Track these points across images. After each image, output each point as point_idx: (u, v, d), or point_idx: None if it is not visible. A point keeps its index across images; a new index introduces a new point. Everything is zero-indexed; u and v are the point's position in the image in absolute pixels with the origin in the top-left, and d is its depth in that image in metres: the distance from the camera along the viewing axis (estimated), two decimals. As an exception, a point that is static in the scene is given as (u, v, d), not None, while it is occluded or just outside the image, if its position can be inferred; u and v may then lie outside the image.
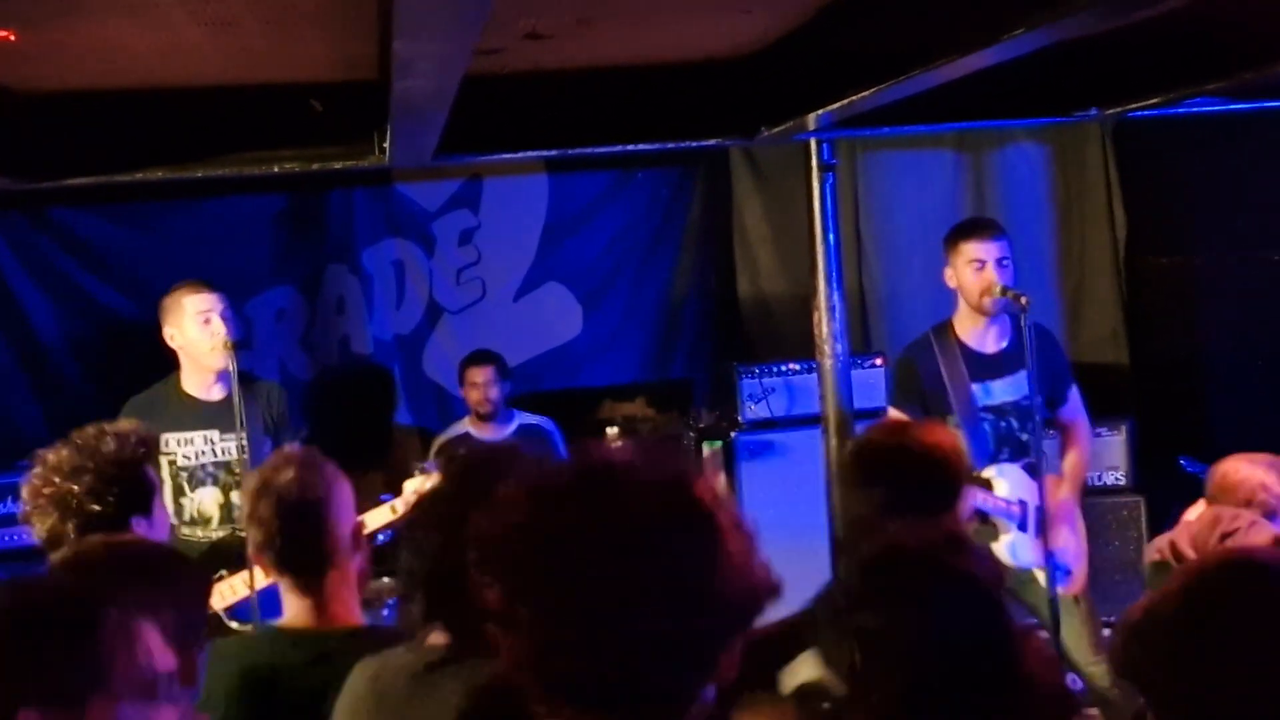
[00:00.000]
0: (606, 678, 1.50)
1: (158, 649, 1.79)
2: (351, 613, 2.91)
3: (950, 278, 4.96)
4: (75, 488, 3.08)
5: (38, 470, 3.14)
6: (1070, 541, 4.88)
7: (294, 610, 2.88)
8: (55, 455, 3.15)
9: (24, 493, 3.16)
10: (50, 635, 1.72)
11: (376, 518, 4.69)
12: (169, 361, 4.95)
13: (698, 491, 1.55)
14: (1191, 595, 1.70)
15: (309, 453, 3.08)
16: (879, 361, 6.44)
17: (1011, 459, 4.88)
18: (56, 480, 3.10)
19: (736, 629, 1.55)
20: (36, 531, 3.12)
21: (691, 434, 6.59)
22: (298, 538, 2.83)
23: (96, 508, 3.07)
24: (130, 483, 3.17)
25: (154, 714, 1.77)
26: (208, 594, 2.74)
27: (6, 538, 5.18)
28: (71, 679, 1.71)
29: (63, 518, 3.07)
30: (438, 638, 2.26)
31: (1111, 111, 5.05)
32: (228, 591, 4.65)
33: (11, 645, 1.72)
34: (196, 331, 4.77)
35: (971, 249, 4.87)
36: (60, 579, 2.11)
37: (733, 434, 6.37)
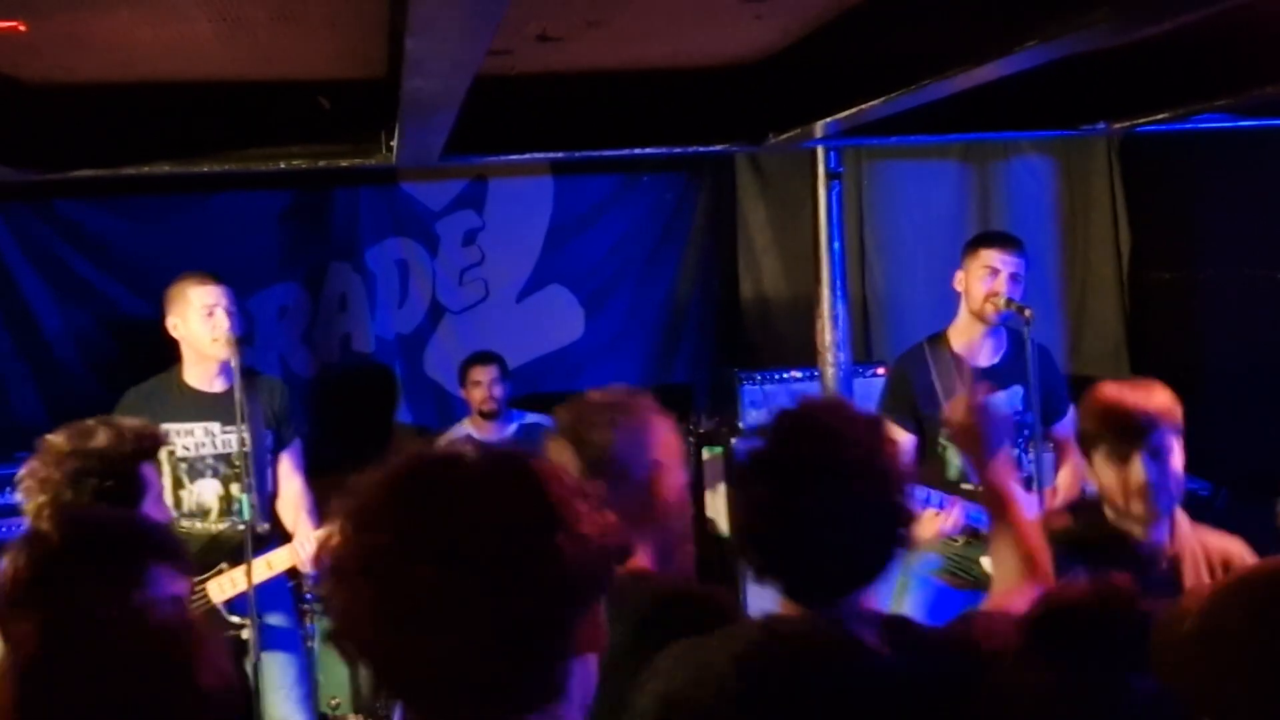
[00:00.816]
0: (458, 676, 1.47)
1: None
2: None
3: (959, 281, 4.96)
4: (58, 475, 3.08)
5: (33, 461, 3.15)
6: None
7: None
8: (53, 440, 3.16)
9: (19, 483, 3.16)
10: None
11: None
12: (171, 354, 4.94)
13: (524, 468, 1.54)
14: (1259, 606, 1.65)
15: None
16: (881, 371, 6.43)
17: None
18: (47, 464, 3.10)
19: (588, 598, 1.53)
20: (27, 512, 3.13)
21: (692, 439, 6.58)
22: None
23: (70, 495, 3.06)
24: (116, 479, 3.14)
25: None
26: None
27: (6, 528, 5.17)
28: None
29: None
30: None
31: (1119, 126, 5.05)
32: (227, 585, 4.65)
33: None
34: (199, 323, 4.76)
35: (988, 256, 4.88)
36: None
37: (733, 440, 6.37)
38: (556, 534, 1.48)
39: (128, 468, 3.20)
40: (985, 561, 4.70)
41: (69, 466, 3.10)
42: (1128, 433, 3.12)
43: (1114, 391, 3.22)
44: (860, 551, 2.22)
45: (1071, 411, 5.13)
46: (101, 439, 3.18)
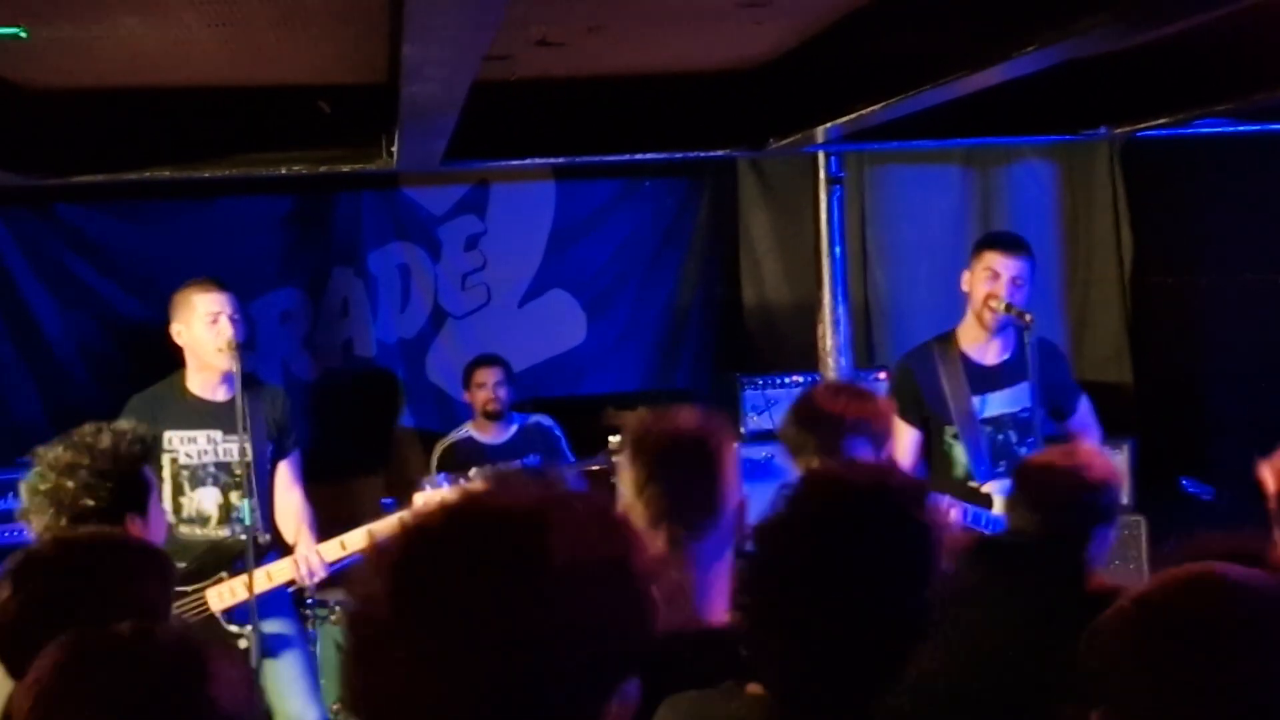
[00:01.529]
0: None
1: None
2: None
3: (966, 281, 4.96)
4: (70, 484, 3.08)
5: (35, 468, 3.14)
6: None
7: None
8: (52, 452, 3.15)
9: (21, 490, 3.16)
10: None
11: (385, 527, 4.68)
12: (173, 359, 4.94)
13: (548, 543, 1.41)
14: (1150, 608, 1.65)
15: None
16: (882, 375, 6.42)
17: (1009, 472, 4.87)
18: (52, 476, 3.09)
19: (611, 682, 1.42)
20: (34, 528, 3.12)
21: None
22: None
23: (90, 503, 3.06)
24: (126, 480, 3.16)
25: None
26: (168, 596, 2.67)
27: (6, 534, 5.17)
28: None
29: (58, 514, 3.07)
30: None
31: (1121, 130, 5.05)
32: (227, 594, 4.64)
33: None
34: (204, 330, 4.76)
35: (990, 259, 4.87)
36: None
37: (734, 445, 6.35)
38: (616, 571, 1.42)
39: (135, 468, 3.22)
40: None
41: (81, 475, 3.10)
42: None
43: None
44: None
45: (1084, 406, 5.13)
46: (107, 442, 3.18)
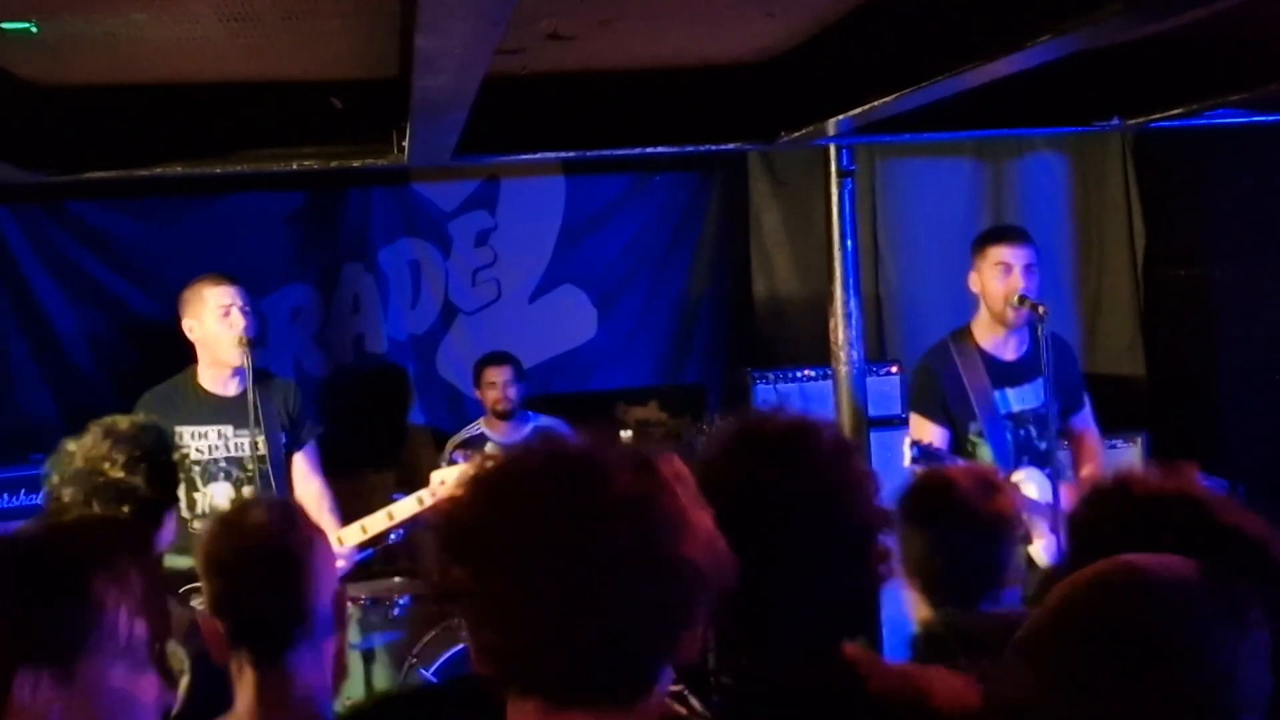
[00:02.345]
0: (577, 657, 1.49)
1: (137, 619, 1.79)
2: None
3: (974, 282, 4.94)
4: (136, 480, 3.06)
5: (76, 466, 3.08)
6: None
7: (246, 700, 2.30)
8: (84, 443, 3.11)
9: (58, 488, 3.09)
10: (44, 593, 1.73)
11: (405, 508, 4.71)
12: (184, 356, 4.95)
13: (660, 467, 1.57)
14: (1065, 609, 1.58)
15: (284, 502, 2.95)
16: (894, 369, 6.41)
17: (1030, 465, 4.87)
18: (105, 470, 3.06)
19: (703, 599, 1.55)
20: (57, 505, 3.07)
21: (704, 438, 6.56)
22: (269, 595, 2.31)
23: (140, 483, 3.05)
24: (159, 456, 3.16)
25: (140, 680, 1.77)
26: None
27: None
28: (64, 638, 1.72)
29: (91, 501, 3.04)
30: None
31: (1133, 122, 5.02)
32: None
33: (7, 603, 1.73)
34: (215, 324, 4.76)
35: (998, 253, 4.85)
36: (52, 538, 1.95)
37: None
38: (684, 533, 1.52)
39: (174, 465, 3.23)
40: (1032, 551, 4.68)
41: (140, 468, 3.08)
42: None
43: None
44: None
45: (1089, 404, 5.12)
46: (125, 425, 3.18)
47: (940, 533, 2.88)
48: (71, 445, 3.13)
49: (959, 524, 2.86)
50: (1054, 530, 4.76)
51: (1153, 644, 1.51)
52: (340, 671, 2.42)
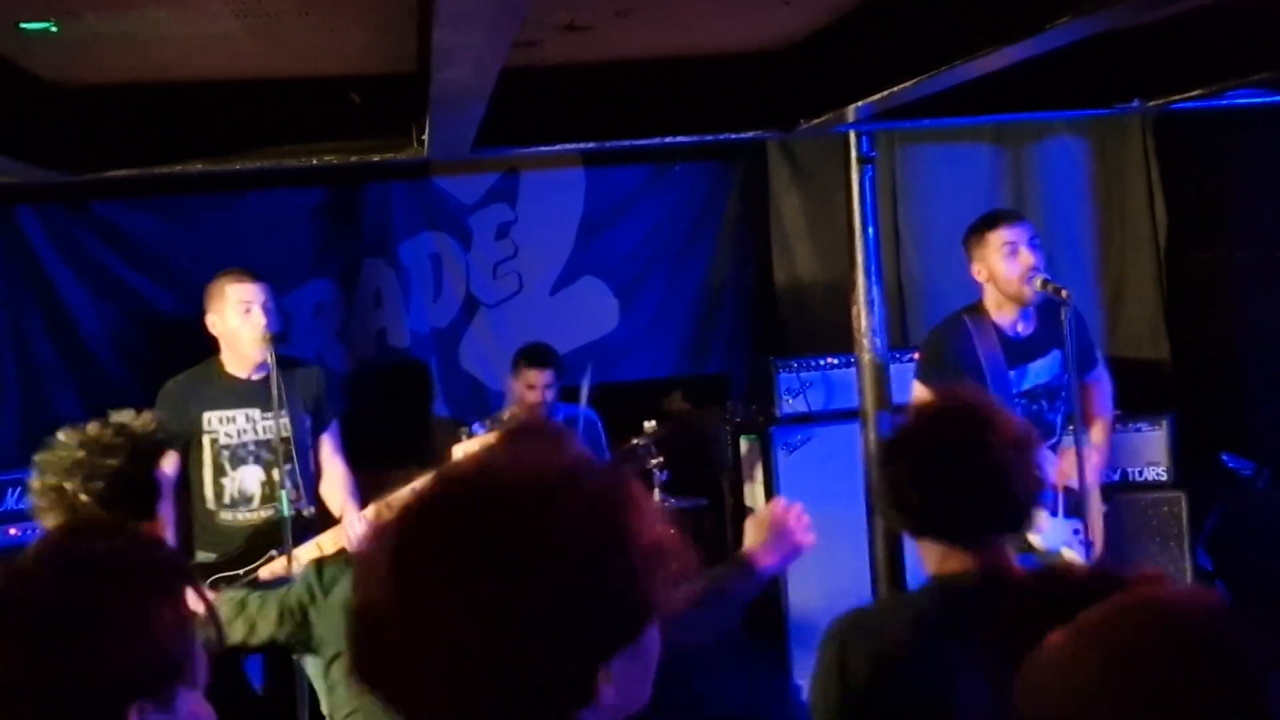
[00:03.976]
0: (481, 698, 1.42)
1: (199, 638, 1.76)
2: None
3: (979, 272, 4.93)
4: (69, 485, 2.94)
5: (45, 468, 2.99)
6: (1096, 514, 4.91)
7: None
8: (62, 451, 3.00)
9: (32, 488, 3.01)
10: (149, 621, 1.66)
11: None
12: (206, 353, 4.97)
13: (605, 494, 1.47)
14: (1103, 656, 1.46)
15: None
16: (917, 355, 6.39)
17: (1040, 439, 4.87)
18: (53, 477, 2.95)
19: (627, 635, 1.47)
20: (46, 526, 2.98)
21: (729, 428, 6.57)
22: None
23: (87, 501, 2.92)
24: (132, 482, 3.01)
25: (203, 700, 1.75)
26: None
27: (31, 531, 5.20)
28: (168, 667, 1.66)
29: (63, 514, 2.92)
30: None
31: (1154, 104, 5.00)
32: (279, 571, 4.67)
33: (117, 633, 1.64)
34: (238, 320, 4.79)
35: (1000, 235, 4.85)
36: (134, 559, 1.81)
37: (769, 428, 6.35)
38: (615, 548, 1.44)
39: (146, 469, 3.07)
40: (1032, 539, 4.68)
41: (89, 474, 2.94)
42: None
43: None
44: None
45: (1103, 363, 5.13)
46: (114, 438, 3.03)
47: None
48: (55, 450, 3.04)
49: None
50: (1053, 511, 4.77)
51: (1186, 666, 1.43)
52: None
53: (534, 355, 6.24)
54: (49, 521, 2.96)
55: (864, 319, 5.28)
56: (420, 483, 1.53)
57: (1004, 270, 4.84)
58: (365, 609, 1.47)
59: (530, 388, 6.17)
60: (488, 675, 1.40)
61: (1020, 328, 4.94)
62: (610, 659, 1.45)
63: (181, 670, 1.68)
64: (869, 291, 5.28)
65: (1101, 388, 5.17)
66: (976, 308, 4.98)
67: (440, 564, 1.43)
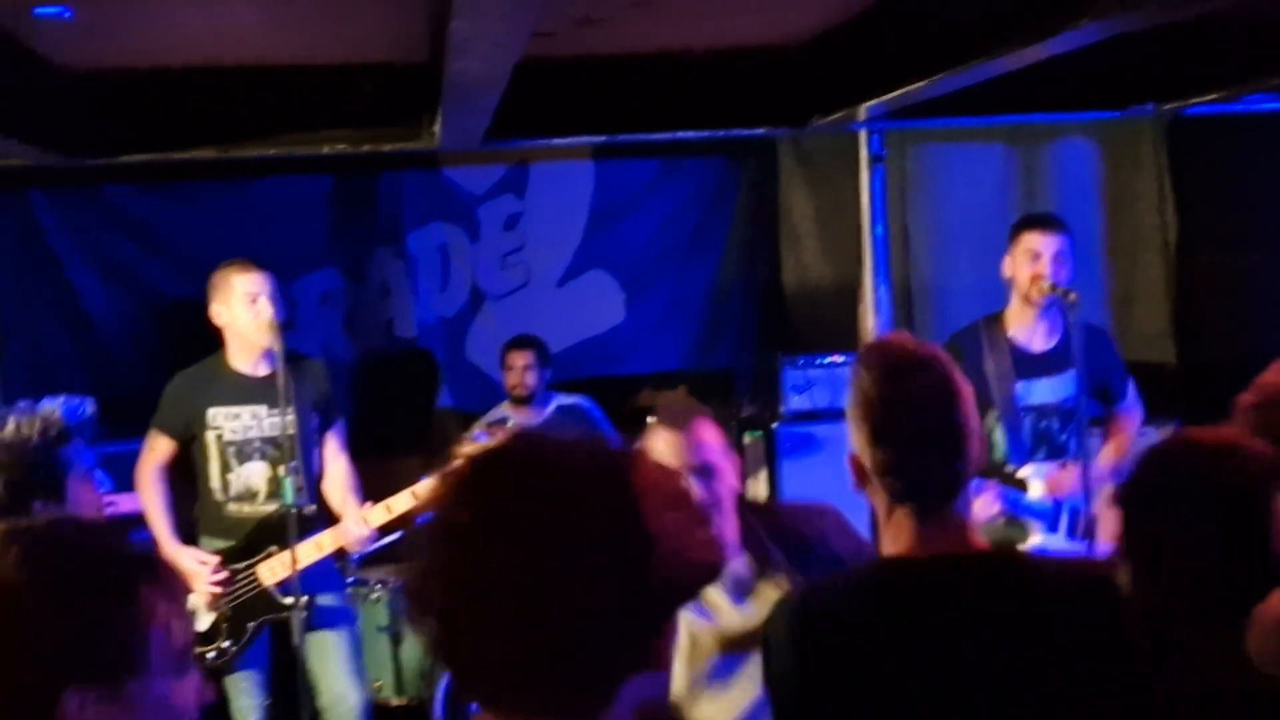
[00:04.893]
0: (535, 671, 1.43)
1: (179, 621, 1.75)
2: None
3: (1007, 266, 4.92)
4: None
5: None
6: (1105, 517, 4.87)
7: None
8: None
9: None
10: (95, 609, 1.63)
11: (429, 489, 4.70)
12: (217, 338, 4.97)
13: (623, 471, 1.50)
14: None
15: None
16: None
17: (1047, 459, 4.85)
18: None
19: (665, 613, 1.49)
20: None
21: (734, 424, 6.57)
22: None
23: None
24: (28, 469, 2.89)
25: (182, 682, 1.74)
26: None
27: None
28: (115, 657, 1.64)
29: None
30: None
31: (1168, 107, 4.99)
32: (278, 567, 4.67)
33: (53, 619, 1.62)
34: (243, 311, 4.78)
35: (1030, 239, 4.83)
36: (92, 543, 1.79)
37: (774, 425, 6.35)
38: (640, 538, 1.45)
39: (40, 457, 2.94)
40: (1023, 549, 4.67)
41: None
42: None
43: None
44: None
45: (1132, 391, 5.08)
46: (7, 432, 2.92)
47: None
48: None
49: None
50: (1053, 528, 4.75)
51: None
52: None
53: (514, 339, 6.35)
54: None
55: (870, 317, 5.29)
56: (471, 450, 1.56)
57: (1020, 273, 4.84)
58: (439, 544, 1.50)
59: (510, 369, 6.21)
60: (561, 629, 1.42)
61: (1038, 341, 4.92)
62: (635, 663, 1.46)
63: (132, 661, 1.64)
64: (876, 290, 5.29)
65: (1131, 418, 5.09)
66: (995, 318, 4.97)
67: (519, 523, 1.45)
